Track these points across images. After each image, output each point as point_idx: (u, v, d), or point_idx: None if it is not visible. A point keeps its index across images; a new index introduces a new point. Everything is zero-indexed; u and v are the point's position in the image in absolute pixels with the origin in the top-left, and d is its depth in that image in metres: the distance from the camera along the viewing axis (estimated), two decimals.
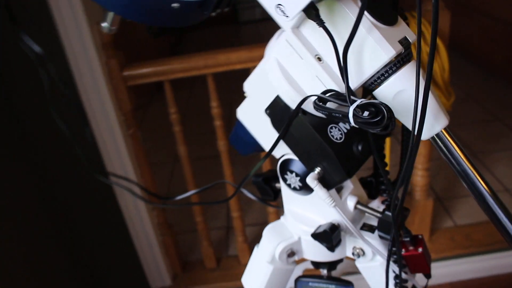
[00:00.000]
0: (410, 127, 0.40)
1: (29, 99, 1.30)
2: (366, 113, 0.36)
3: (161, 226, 1.69)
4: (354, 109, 0.36)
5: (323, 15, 0.40)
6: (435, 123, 0.41)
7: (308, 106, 0.43)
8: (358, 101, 0.36)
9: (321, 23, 0.38)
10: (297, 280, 0.63)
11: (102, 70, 1.29)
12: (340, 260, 0.65)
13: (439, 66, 1.30)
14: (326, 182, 0.48)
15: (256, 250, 0.62)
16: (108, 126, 1.38)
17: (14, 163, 1.33)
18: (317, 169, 0.47)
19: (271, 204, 0.68)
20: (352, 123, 0.36)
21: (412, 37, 0.42)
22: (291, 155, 0.53)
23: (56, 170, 1.46)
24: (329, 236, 0.52)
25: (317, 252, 0.58)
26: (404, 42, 0.41)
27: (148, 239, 1.67)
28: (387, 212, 0.51)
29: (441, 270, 1.76)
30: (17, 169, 1.34)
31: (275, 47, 0.45)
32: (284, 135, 0.48)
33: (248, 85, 0.52)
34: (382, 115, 0.34)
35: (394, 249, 0.56)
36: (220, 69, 1.37)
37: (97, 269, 1.73)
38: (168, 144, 2.08)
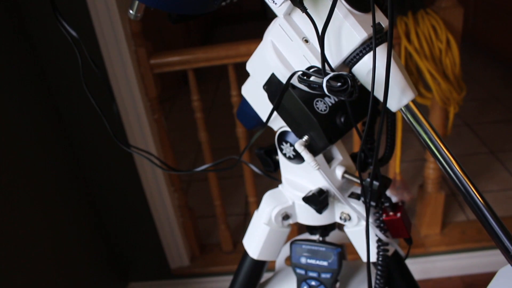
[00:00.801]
0: (381, 99, 0.47)
1: (64, 75, 1.41)
2: (338, 84, 0.44)
3: (182, 209, 1.76)
4: (327, 81, 0.43)
5: (309, 4, 0.48)
6: (402, 96, 0.48)
7: (297, 81, 0.51)
8: (331, 74, 0.43)
9: (304, 9, 0.46)
10: (292, 243, 0.71)
11: (131, 57, 1.37)
12: (332, 228, 0.72)
13: (450, 61, 1.34)
14: (313, 148, 0.55)
15: (256, 213, 0.70)
16: (134, 110, 1.46)
17: (48, 135, 1.45)
18: (305, 137, 0.55)
19: (271, 176, 0.75)
20: (325, 91, 0.44)
21: (385, 23, 0.49)
22: (286, 128, 0.61)
23: (85, 153, 1.57)
24: (316, 198, 0.60)
25: (308, 216, 0.66)
26: (377, 26, 0.48)
27: (169, 221, 1.74)
28: (368, 179, 0.58)
29: (451, 262, 1.79)
30: (50, 142, 1.46)
31: (271, 31, 0.53)
32: (277, 107, 0.55)
33: (249, 65, 0.60)
34: (347, 84, 0.42)
35: (377, 214, 0.64)
36: (240, 59, 1.44)
37: (120, 247, 1.82)
38: (192, 136, 2.16)
